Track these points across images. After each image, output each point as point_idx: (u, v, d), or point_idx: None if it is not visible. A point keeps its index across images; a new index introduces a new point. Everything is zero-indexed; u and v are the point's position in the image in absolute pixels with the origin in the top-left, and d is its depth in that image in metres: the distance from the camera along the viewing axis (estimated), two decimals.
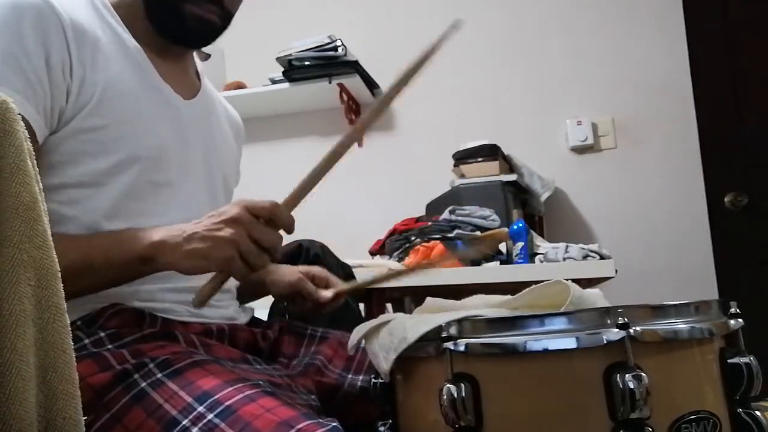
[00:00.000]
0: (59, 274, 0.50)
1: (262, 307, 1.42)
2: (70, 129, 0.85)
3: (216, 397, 0.71)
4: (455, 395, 0.60)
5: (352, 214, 2.67)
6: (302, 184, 0.86)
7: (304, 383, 0.90)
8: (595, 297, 0.69)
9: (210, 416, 0.69)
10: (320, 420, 0.68)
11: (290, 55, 2.58)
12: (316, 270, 1.09)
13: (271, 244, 0.79)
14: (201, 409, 0.70)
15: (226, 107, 1.16)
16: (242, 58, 2.76)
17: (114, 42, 0.91)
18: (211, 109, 1.07)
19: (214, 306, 0.94)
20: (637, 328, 0.59)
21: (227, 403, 0.70)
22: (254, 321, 1.06)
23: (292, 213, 0.84)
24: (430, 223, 2.01)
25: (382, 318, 0.75)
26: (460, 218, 1.99)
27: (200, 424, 0.68)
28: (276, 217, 0.80)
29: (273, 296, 1.22)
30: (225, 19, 0.98)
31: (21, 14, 0.81)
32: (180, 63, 1.03)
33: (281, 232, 0.82)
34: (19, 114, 0.76)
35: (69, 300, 0.78)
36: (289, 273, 1.08)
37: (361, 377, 0.97)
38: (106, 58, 0.88)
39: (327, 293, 1.04)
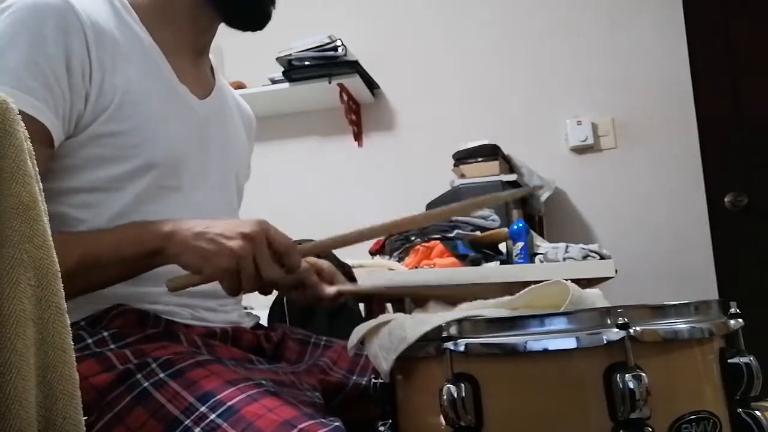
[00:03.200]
0: (59, 274, 0.50)
1: (261, 307, 1.43)
2: (88, 134, 0.84)
3: (218, 397, 0.71)
4: (455, 395, 0.60)
5: (352, 214, 2.67)
6: (328, 241, 0.87)
7: (308, 381, 0.90)
8: (595, 297, 0.69)
9: (212, 416, 0.69)
10: (323, 420, 0.68)
11: (290, 55, 2.58)
12: (325, 264, 1.08)
13: (269, 277, 0.78)
14: (203, 409, 0.70)
15: (238, 102, 1.16)
16: (242, 58, 2.75)
17: (132, 42, 0.90)
18: (224, 107, 1.07)
19: (218, 310, 0.94)
20: (637, 328, 0.59)
21: (229, 404, 0.70)
22: (257, 326, 1.06)
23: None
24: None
25: (381, 318, 0.75)
26: (460, 218, 1.99)
27: (202, 425, 0.68)
28: (287, 255, 0.80)
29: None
30: None
31: (42, 17, 0.81)
32: (197, 60, 1.02)
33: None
34: (39, 119, 0.77)
35: (77, 297, 0.79)
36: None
37: (365, 379, 0.97)
38: (125, 60, 0.87)
39: (330, 289, 1.04)
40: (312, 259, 1.07)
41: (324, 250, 0.87)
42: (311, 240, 1.50)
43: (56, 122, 0.81)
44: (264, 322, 1.24)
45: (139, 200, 0.88)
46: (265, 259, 0.78)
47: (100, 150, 0.85)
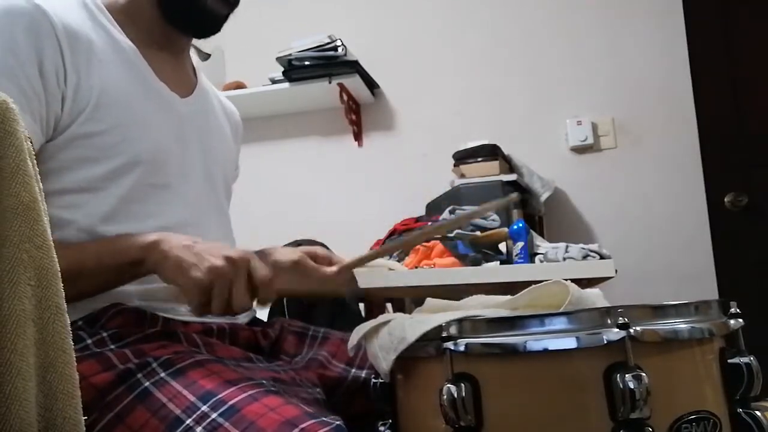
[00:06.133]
0: (59, 274, 0.50)
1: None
2: (67, 136, 0.84)
3: (219, 396, 0.71)
4: (455, 395, 0.60)
5: (352, 213, 2.67)
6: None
7: (308, 377, 0.90)
8: (595, 297, 0.69)
9: (214, 415, 0.69)
10: (324, 419, 0.68)
11: (290, 55, 2.58)
12: (319, 249, 1.08)
13: (238, 306, 0.77)
14: (205, 408, 0.70)
15: (223, 103, 1.15)
16: (242, 58, 2.76)
17: (108, 44, 0.90)
18: (208, 106, 1.07)
19: None
20: (638, 328, 0.59)
21: (231, 403, 0.70)
22: (254, 321, 1.06)
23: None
24: (429, 223, 2.01)
25: (382, 318, 0.75)
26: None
27: (204, 424, 0.68)
28: (262, 289, 0.79)
29: None
30: (233, 6, 0.99)
31: (13, 21, 0.81)
32: (176, 60, 1.02)
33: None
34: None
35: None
36: (291, 252, 1.07)
37: (364, 371, 0.97)
38: (100, 61, 0.87)
39: (331, 268, 1.03)
40: (306, 247, 1.06)
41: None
42: (312, 240, 1.50)
43: (34, 126, 0.81)
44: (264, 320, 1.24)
45: (128, 198, 0.88)
46: (240, 286, 0.77)
47: (81, 151, 0.85)
